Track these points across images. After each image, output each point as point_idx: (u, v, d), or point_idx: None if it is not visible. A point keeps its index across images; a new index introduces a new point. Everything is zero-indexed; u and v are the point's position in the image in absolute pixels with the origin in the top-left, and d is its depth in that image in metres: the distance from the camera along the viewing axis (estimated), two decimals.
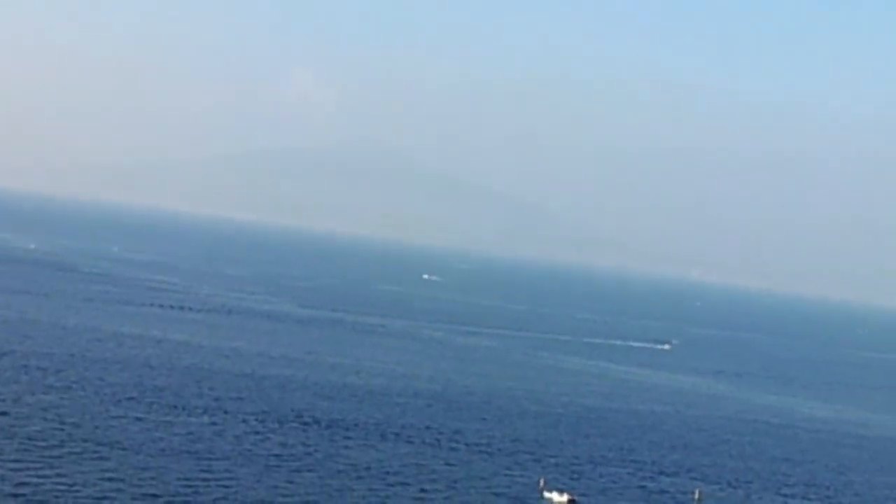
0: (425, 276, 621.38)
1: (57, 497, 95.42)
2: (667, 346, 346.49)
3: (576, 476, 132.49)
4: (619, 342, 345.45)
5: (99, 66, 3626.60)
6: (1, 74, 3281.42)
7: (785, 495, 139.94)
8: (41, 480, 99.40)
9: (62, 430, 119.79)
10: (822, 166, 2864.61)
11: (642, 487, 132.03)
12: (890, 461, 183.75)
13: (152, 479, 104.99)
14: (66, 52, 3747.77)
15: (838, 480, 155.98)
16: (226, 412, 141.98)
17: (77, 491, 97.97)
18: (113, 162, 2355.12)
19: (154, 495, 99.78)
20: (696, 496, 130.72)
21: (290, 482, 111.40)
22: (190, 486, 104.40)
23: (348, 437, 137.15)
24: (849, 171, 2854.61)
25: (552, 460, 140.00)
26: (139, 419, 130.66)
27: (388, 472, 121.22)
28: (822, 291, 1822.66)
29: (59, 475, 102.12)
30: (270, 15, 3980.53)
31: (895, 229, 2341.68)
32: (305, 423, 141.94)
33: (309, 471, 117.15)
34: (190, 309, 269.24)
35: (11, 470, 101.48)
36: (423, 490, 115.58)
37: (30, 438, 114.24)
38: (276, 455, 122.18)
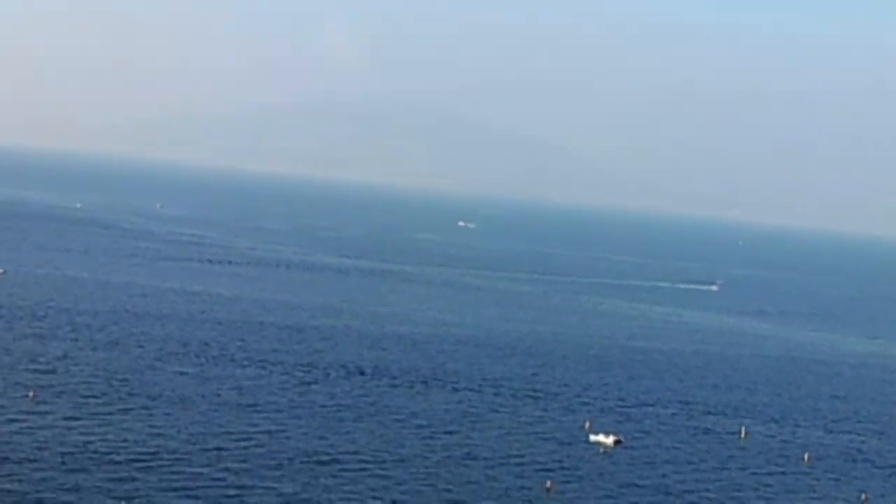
0: (461, 224, 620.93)
1: (108, 453, 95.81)
2: (714, 287, 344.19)
3: (622, 418, 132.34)
4: (665, 284, 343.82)
5: (135, 24, 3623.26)
6: (37, 36, 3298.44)
7: (831, 431, 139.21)
8: (90, 438, 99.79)
9: (110, 386, 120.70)
10: (863, 100, 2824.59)
11: (688, 427, 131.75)
12: None
13: (203, 433, 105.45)
14: (102, 12, 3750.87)
15: (884, 414, 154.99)
16: (272, 364, 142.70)
17: (127, 447, 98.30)
18: (149, 118, 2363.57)
19: (204, 449, 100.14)
20: (743, 434, 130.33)
21: (339, 432, 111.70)
22: (241, 439, 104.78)
23: (394, 386, 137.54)
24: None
25: (598, 403, 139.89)
26: (185, 373, 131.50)
27: (435, 420, 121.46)
28: (867, 229, 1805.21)
29: (108, 431, 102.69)
30: None
31: None
32: (350, 373, 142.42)
33: (356, 420, 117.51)
34: (230, 263, 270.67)
35: (64, 428, 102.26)
36: (470, 436, 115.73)
37: (79, 395, 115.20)
38: (324, 406, 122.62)
